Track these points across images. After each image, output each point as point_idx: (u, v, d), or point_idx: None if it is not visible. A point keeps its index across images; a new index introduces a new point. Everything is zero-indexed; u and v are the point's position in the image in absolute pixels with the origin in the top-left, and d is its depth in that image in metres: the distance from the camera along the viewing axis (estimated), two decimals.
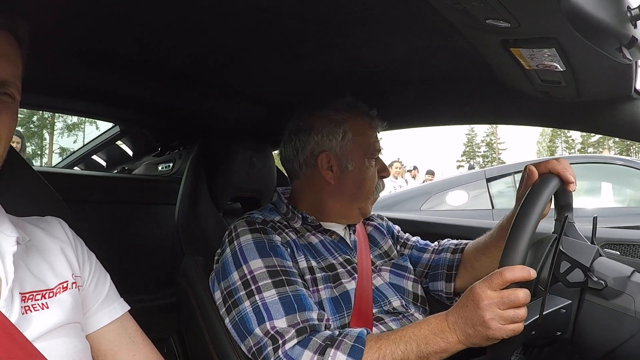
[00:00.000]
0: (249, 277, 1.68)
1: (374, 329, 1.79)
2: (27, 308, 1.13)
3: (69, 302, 1.23)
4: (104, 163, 3.23)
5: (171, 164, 2.82)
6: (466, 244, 2.09)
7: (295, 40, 1.75)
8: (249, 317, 1.63)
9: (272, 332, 1.58)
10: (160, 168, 2.87)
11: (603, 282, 1.39)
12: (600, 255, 1.48)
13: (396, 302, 1.92)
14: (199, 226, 2.08)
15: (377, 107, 2.02)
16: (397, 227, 2.30)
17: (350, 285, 1.83)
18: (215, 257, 1.87)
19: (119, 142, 3.05)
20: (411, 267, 2.11)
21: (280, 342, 1.55)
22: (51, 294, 1.20)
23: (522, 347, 1.58)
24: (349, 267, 1.89)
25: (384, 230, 2.21)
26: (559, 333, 1.41)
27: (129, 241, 2.43)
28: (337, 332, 1.56)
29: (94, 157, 3.15)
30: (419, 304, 2.01)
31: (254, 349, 1.61)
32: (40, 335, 1.12)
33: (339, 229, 2.03)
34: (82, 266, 1.34)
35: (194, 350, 1.96)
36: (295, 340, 1.54)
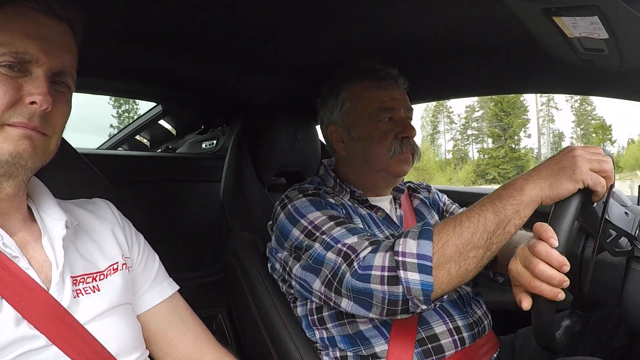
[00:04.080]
0: (310, 227, 1.64)
1: None
2: (78, 291, 1.13)
3: (120, 283, 1.23)
4: (147, 143, 3.24)
5: (215, 141, 2.82)
6: None
7: (335, 11, 1.72)
8: (321, 254, 1.57)
9: (344, 249, 1.52)
10: (204, 146, 2.87)
11: None
12: None
13: None
14: (245, 202, 2.08)
15: (416, 79, 1.97)
16: (444, 198, 2.24)
17: None
18: (269, 227, 1.84)
19: (162, 122, 3.04)
20: None
21: (353, 256, 1.49)
22: (102, 277, 1.20)
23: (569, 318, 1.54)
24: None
25: (429, 203, 2.16)
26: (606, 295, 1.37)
27: (174, 220, 2.45)
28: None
29: (138, 137, 3.16)
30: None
31: (329, 275, 1.54)
32: (92, 318, 1.13)
33: (385, 203, 2.00)
34: (131, 247, 1.34)
35: (243, 327, 1.97)
36: (369, 249, 1.48)
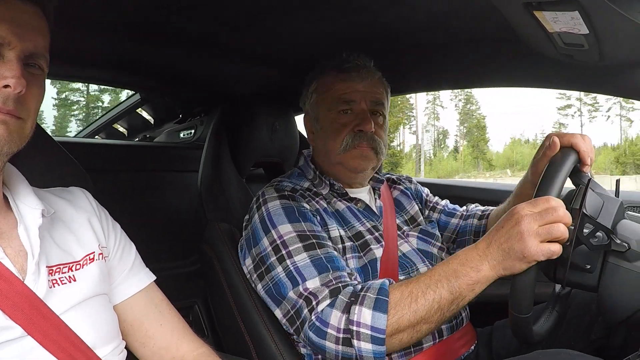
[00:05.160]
0: (278, 241, 1.65)
1: None
2: (54, 281, 1.11)
3: (96, 273, 1.21)
4: (125, 131, 3.21)
5: (193, 131, 2.79)
6: (491, 210, 2.06)
7: (316, 0, 1.70)
8: (282, 282, 1.60)
9: (305, 294, 1.55)
10: (182, 135, 2.85)
11: (626, 245, 1.34)
12: (624, 218, 1.44)
13: (423, 269, 1.87)
14: (223, 193, 2.06)
15: (399, 70, 1.96)
16: (426, 190, 2.25)
17: (378, 252, 1.79)
18: (244, 224, 1.83)
19: (140, 110, 3.02)
20: (438, 235, 2.07)
21: (314, 303, 1.52)
22: (78, 266, 1.18)
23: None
24: (376, 234, 1.85)
25: (410, 194, 2.16)
26: (588, 266, 1.37)
27: (152, 209, 2.43)
28: (359, 287, 1.51)
29: (115, 125, 3.12)
30: None
31: (291, 312, 1.59)
32: (68, 309, 1.11)
33: (364, 193, 1.99)
34: (107, 236, 1.32)
35: (220, 317, 1.96)
36: (327, 301, 1.50)
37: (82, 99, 53.43)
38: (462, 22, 1.80)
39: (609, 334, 1.69)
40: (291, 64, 2.29)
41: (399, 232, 1.96)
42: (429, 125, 75.41)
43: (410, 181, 2.25)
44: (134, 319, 1.33)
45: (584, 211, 1.34)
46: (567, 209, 1.32)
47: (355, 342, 1.43)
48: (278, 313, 1.64)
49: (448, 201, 2.23)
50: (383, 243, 1.84)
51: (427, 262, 1.91)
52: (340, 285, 1.53)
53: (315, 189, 1.90)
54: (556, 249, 1.27)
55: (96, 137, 3.10)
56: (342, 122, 1.87)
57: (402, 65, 2.05)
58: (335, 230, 1.78)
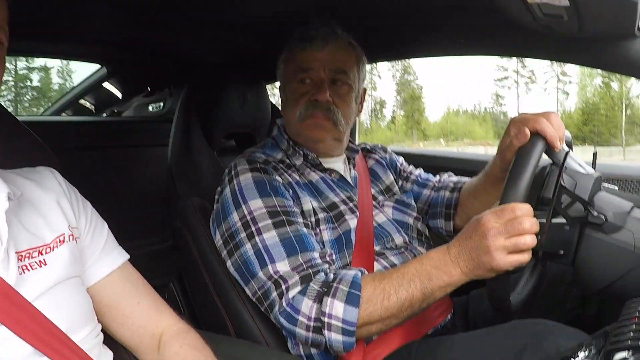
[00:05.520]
0: (248, 217, 1.62)
1: (375, 264, 1.74)
2: (24, 267, 1.07)
3: (67, 256, 1.16)
4: (92, 107, 3.14)
5: (162, 104, 2.75)
6: (464, 182, 2.03)
7: None
8: (251, 260, 1.58)
9: (275, 277, 1.54)
10: (151, 108, 2.80)
11: (603, 217, 1.36)
12: (600, 190, 1.45)
13: (399, 239, 1.86)
14: (193, 166, 2.02)
15: (373, 36, 1.92)
16: (400, 159, 2.22)
17: (352, 223, 1.77)
18: (215, 197, 1.79)
19: (107, 85, 2.94)
20: (414, 204, 2.05)
21: (284, 287, 1.52)
22: (48, 249, 1.13)
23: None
24: (350, 205, 1.82)
25: (385, 164, 2.13)
26: (562, 252, 1.39)
27: (122, 186, 2.39)
28: (331, 277, 1.51)
29: (82, 101, 3.05)
30: (423, 239, 1.97)
31: (258, 293, 1.58)
32: (39, 295, 1.06)
33: (339, 163, 1.96)
34: (77, 216, 1.26)
35: (195, 294, 1.93)
36: (298, 288, 1.50)
37: (10, 78, 52.37)
38: None
39: (583, 305, 1.72)
40: (262, 31, 2.23)
41: (374, 202, 1.94)
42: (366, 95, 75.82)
43: (385, 150, 2.22)
44: (110, 299, 1.29)
45: (562, 183, 1.35)
46: (540, 187, 1.35)
47: (325, 332, 1.45)
48: (247, 291, 1.63)
49: (422, 170, 2.20)
50: (358, 214, 1.81)
51: (402, 232, 1.89)
52: (311, 271, 1.53)
53: (288, 161, 1.86)
54: (524, 259, 1.29)
55: (62, 114, 3.02)
56: (300, 92, 1.83)
57: (374, 33, 2.01)
58: (308, 203, 1.74)
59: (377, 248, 1.79)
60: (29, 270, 1.08)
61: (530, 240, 1.27)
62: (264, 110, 2.34)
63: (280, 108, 1.98)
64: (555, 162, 1.43)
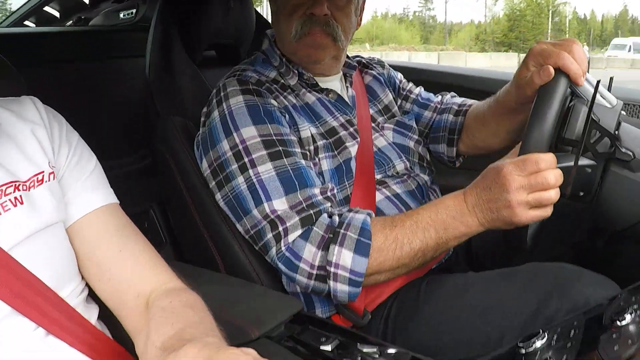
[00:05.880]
0: (240, 147, 1.46)
1: (377, 193, 1.61)
2: None
3: (47, 198, 1.00)
4: (57, 14, 2.85)
5: (134, 10, 2.46)
6: (469, 105, 1.87)
7: None
8: (243, 195, 1.44)
9: (271, 216, 1.40)
10: (122, 16, 2.52)
11: (631, 154, 1.28)
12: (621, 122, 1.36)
13: (400, 166, 1.72)
14: (174, 83, 1.80)
15: None
16: (399, 76, 2.02)
17: (353, 150, 1.62)
18: (202, 119, 1.61)
19: None
20: (415, 127, 1.89)
21: (281, 229, 1.39)
22: (24, 187, 0.97)
23: None
24: (350, 129, 1.66)
25: (383, 81, 1.94)
26: (582, 193, 1.32)
27: (93, 102, 2.14)
28: (336, 220, 1.38)
29: (45, 8, 2.77)
30: (425, 165, 1.83)
31: (251, 232, 1.45)
32: (17, 243, 0.91)
33: (336, 82, 1.77)
34: (57, 150, 1.08)
35: (178, 224, 1.77)
36: (299, 231, 1.38)
37: None
38: None
39: (591, 238, 1.65)
40: None
41: (373, 125, 1.77)
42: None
43: (383, 65, 2.02)
44: (85, 245, 1.08)
45: (593, 117, 1.24)
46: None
47: (331, 282, 1.35)
48: (239, 227, 1.50)
49: (422, 89, 2.01)
50: (358, 139, 1.65)
51: (403, 157, 1.74)
52: (312, 212, 1.39)
53: (282, 80, 1.67)
54: (546, 214, 1.23)
55: (25, 22, 2.74)
56: (294, 3, 1.60)
57: None
58: (307, 130, 1.57)
59: (378, 176, 1.65)
60: (2, 212, 0.91)
61: (554, 195, 1.21)
62: (248, 18, 2.11)
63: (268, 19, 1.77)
64: (577, 95, 1.33)
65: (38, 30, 2.63)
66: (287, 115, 1.56)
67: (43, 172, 1.02)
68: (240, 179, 1.45)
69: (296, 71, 1.67)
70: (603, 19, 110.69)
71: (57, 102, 1.21)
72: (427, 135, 1.92)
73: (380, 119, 1.82)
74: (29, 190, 0.98)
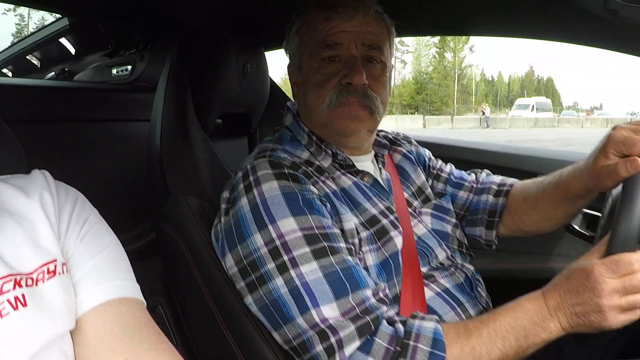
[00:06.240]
0: (278, 242, 1.25)
1: (425, 289, 1.44)
2: None
3: (59, 295, 0.78)
4: (37, 63, 2.59)
5: (130, 67, 2.21)
6: (511, 185, 1.73)
7: None
8: (284, 300, 1.24)
9: (321, 325, 1.20)
10: (115, 72, 2.25)
11: None
12: None
13: (442, 255, 1.56)
14: (191, 157, 1.57)
15: (400, 7, 1.55)
16: (427, 152, 1.86)
17: (398, 241, 1.43)
18: (223, 206, 1.40)
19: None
20: (452, 210, 1.73)
21: (334, 340, 1.19)
22: (30, 281, 0.76)
23: None
24: (391, 217, 1.48)
25: (414, 158, 1.77)
26: None
27: (84, 169, 1.87)
28: (401, 329, 1.21)
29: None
30: (464, 251, 1.66)
31: (294, 342, 1.25)
32: None
33: (368, 162, 1.60)
34: (66, 233, 0.87)
35: (194, 322, 1.51)
36: (356, 343, 1.19)
37: None
38: None
39: None
40: None
41: (409, 210, 1.60)
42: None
43: (410, 142, 1.85)
44: (85, 351, 0.85)
45: None
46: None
47: None
48: (277, 336, 1.29)
49: (453, 166, 1.86)
50: (401, 229, 1.47)
51: (443, 245, 1.58)
52: (368, 318, 1.21)
53: (317, 162, 1.48)
54: (636, 317, 1.15)
55: (3, 70, 2.47)
56: (326, 73, 1.45)
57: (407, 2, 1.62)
58: (351, 221, 1.39)
59: (423, 269, 1.48)
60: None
61: None
62: (264, 86, 1.94)
63: (290, 88, 1.62)
64: None
65: (20, 82, 2.32)
66: (328, 204, 1.37)
67: (55, 260, 0.81)
68: (280, 281, 1.24)
69: (330, 151, 1.50)
70: (510, 80, 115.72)
71: (40, 166, 0.99)
72: (463, 217, 1.77)
73: (415, 203, 1.65)
74: (36, 284, 0.77)
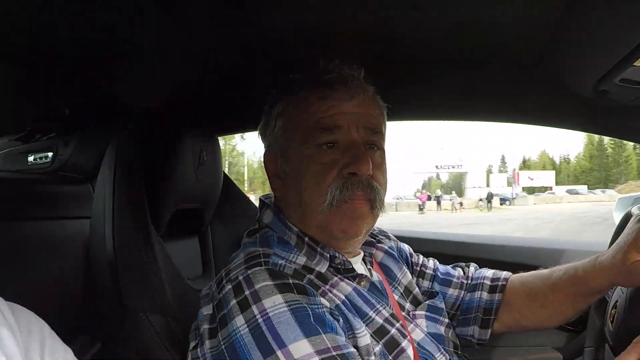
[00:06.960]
0: None
1: None
2: None
3: None
4: None
5: (50, 154, 1.86)
6: (506, 279, 1.58)
7: None
8: None
9: None
10: (32, 159, 1.89)
11: None
12: None
13: (441, 359, 1.38)
14: (154, 265, 1.30)
15: (391, 90, 1.39)
16: (407, 248, 1.69)
17: (410, 352, 1.25)
18: (206, 326, 1.14)
19: None
20: (445, 309, 1.55)
21: None
22: None
23: None
24: (397, 325, 1.28)
25: (396, 255, 1.59)
26: None
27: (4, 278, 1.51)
28: None
29: None
30: (459, 353, 1.49)
31: None
32: None
33: (358, 264, 1.39)
34: None
35: None
36: None
37: None
38: (479, 38, 1.35)
39: None
40: (226, 68, 1.56)
41: (403, 314, 1.41)
42: None
43: (389, 237, 1.67)
44: None
45: None
46: None
47: None
48: None
49: (437, 261, 1.69)
50: (409, 338, 1.28)
51: (442, 349, 1.40)
52: None
53: (317, 268, 1.26)
54: None
55: None
56: (323, 162, 1.25)
57: (399, 85, 1.47)
58: (366, 336, 1.19)
59: None
60: None
61: None
62: (218, 177, 1.72)
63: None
64: None
65: None
66: (340, 319, 1.16)
67: None
68: None
69: (328, 254, 1.28)
70: None
71: None
72: (454, 316, 1.60)
73: (407, 306, 1.47)
74: None
